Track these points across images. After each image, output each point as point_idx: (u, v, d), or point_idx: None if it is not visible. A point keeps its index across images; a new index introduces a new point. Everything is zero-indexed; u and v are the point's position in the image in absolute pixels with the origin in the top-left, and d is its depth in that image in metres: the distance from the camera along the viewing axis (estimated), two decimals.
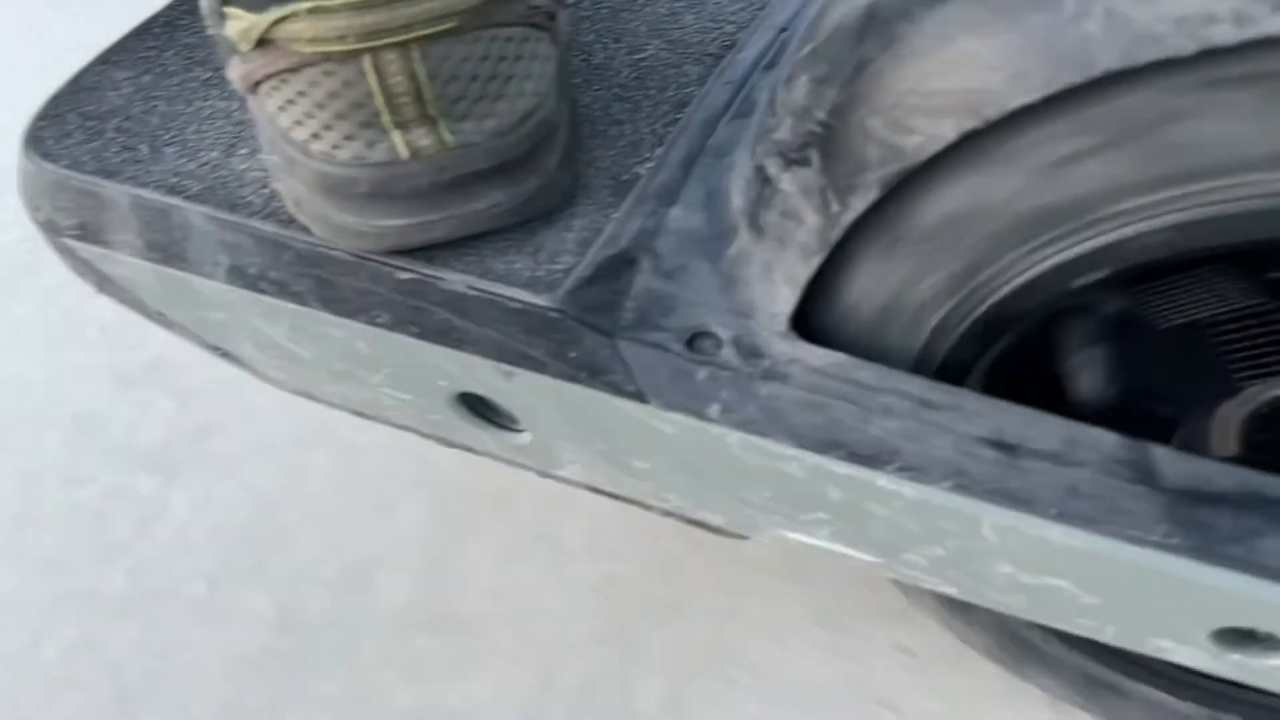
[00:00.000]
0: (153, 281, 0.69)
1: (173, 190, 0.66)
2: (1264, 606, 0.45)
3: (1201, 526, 0.45)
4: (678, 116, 0.70)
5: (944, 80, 0.44)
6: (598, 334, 0.56)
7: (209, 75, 0.75)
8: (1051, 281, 0.49)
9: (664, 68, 0.74)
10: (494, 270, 0.59)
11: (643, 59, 0.75)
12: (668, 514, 0.67)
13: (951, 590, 0.57)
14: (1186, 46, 0.38)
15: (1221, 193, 0.43)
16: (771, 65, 0.71)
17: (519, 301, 0.57)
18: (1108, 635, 0.53)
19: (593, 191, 0.65)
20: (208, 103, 0.73)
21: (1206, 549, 0.45)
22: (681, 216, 0.61)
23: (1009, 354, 0.56)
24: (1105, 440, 0.48)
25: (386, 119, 0.54)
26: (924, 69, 0.45)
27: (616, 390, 0.56)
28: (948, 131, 0.45)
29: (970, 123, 0.44)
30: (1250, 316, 0.54)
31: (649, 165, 0.66)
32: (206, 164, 0.68)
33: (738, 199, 0.59)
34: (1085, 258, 0.47)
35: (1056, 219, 0.47)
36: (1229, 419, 0.58)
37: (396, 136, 0.55)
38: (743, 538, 0.65)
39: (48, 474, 1.15)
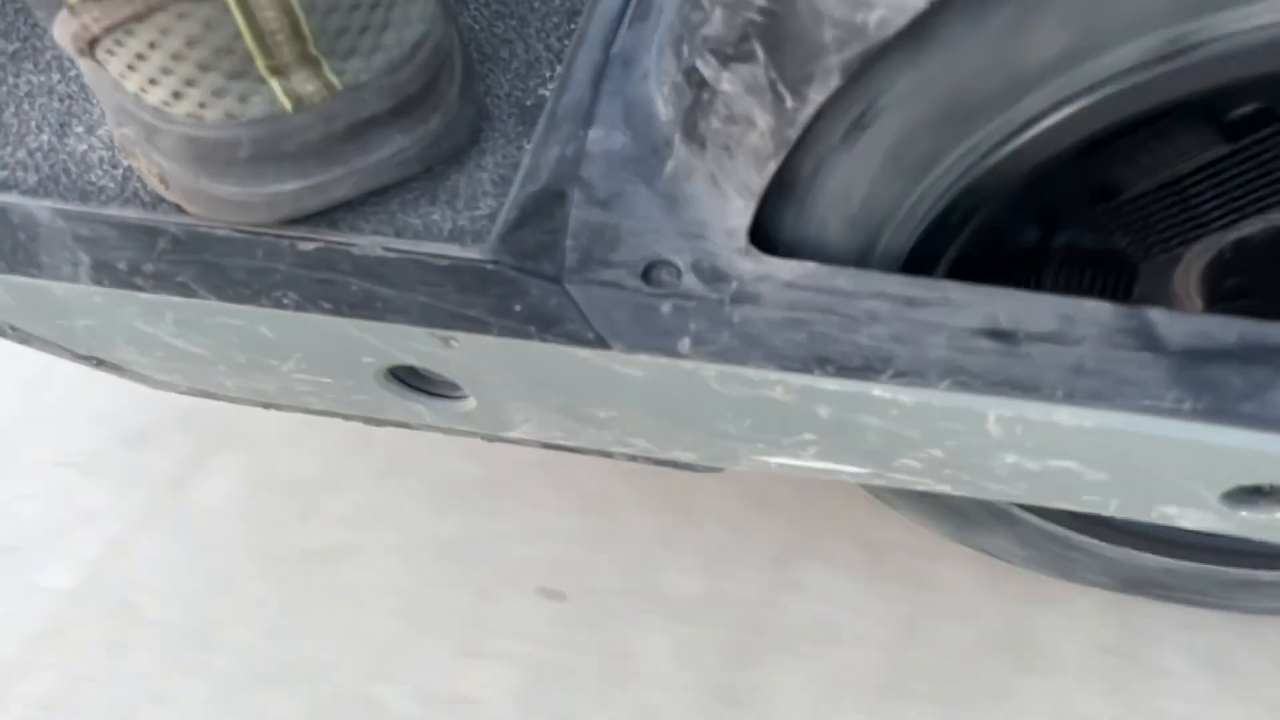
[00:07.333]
0: (1, 295, 0.59)
1: (5, 186, 0.56)
2: None
3: (1212, 387, 0.44)
4: (571, 28, 0.63)
5: None
6: (543, 281, 0.50)
7: (16, 47, 0.64)
8: (1028, 153, 0.46)
9: None
10: (410, 226, 0.52)
11: None
12: (632, 459, 0.63)
13: (945, 488, 0.55)
14: None
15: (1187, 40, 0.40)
16: None
17: (446, 258, 0.51)
18: (1112, 509, 0.52)
19: (497, 122, 0.58)
20: (21, 79, 0.62)
21: (1220, 410, 0.44)
22: (603, 137, 0.55)
23: (974, 237, 0.53)
24: (1102, 311, 0.46)
25: (261, 64, 0.46)
26: None
27: (573, 340, 0.50)
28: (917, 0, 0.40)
29: None
30: (1214, 164, 0.52)
31: (552, 86, 0.59)
32: (38, 149, 0.58)
33: (665, 109, 0.53)
34: (1059, 126, 0.44)
35: (1027, 86, 0.43)
36: (1191, 267, 0.57)
37: (275, 85, 0.47)
38: (717, 470, 0.62)
39: None
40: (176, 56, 0.45)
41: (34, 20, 0.66)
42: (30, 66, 0.63)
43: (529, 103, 0.58)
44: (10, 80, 0.62)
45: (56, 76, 0.62)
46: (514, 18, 0.64)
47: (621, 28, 0.61)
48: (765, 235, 0.53)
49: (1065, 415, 0.46)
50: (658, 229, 0.51)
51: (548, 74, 0.60)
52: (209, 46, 0.45)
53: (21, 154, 0.58)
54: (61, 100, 0.61)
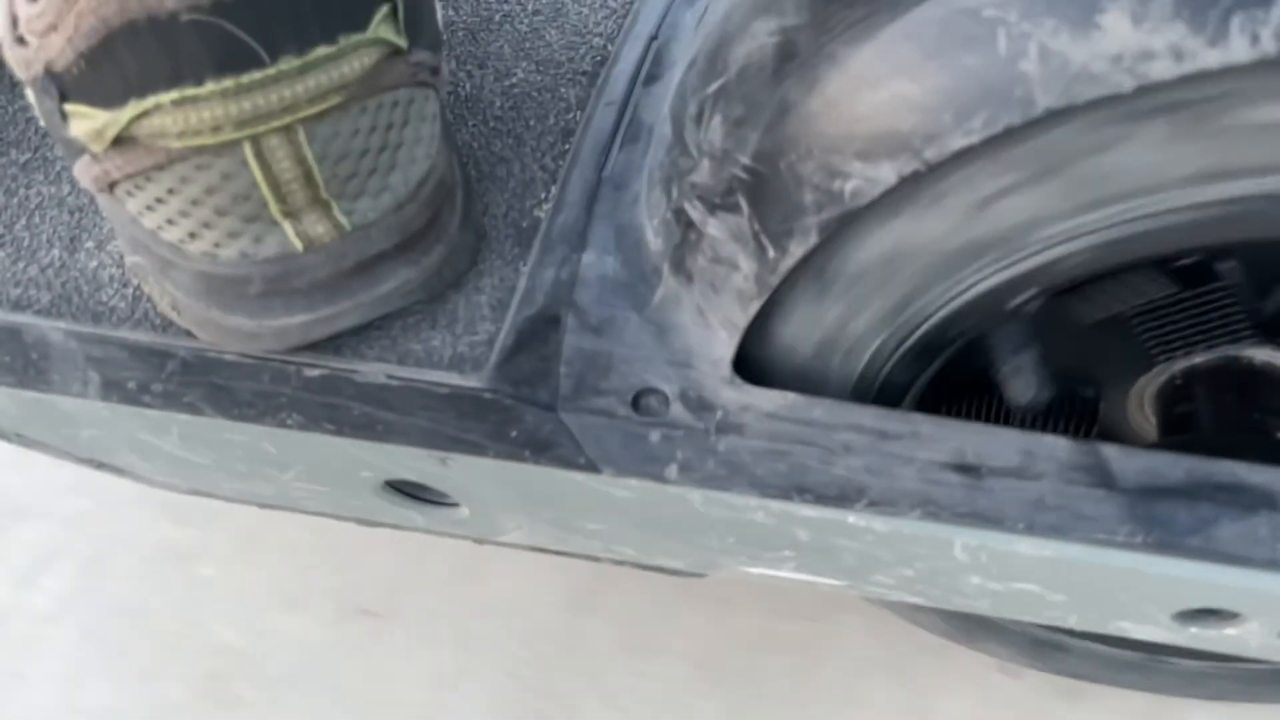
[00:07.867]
0: (7, 405, 0.61)
1: (19, 306, 0.58)
2: (1225, 589, 0.48)
3: (1161, 522, 0.47)
4: (565, 147, 0.66)
5: (879, 123, 0.43)
6: (538, 409, 0.53)
7: (27, 158, 0.66)
8: (983, 304, 0.49)
9: (539, 93, 0.70)
10: (412, 353, 0.55)
11: (513, 85, 0.71)
12: (620, 564, 0.65)
13: (918, 600, 0.58)
14: (1125, 84, 0.38)
15: (1136, 211, 0.44)
16: (651, 80, 0.69)
17: (447, 386, 0.54)
18: (1071, 622, 0.56)
19: (494, 243, 0.61)
20: (32, 190, 0.65)
21: (1168, 543, 0.47)
22: (595, 262, 0.58)
23: (945, 368, 0.57)
24: (1059, 448, 0.49)
25: (274, 209, 0.49)
26: (856, 112, 0.44)
27: (566, 464, 0.53)
28: (887, 175, 0.44)
29: (912, 166, 0.43)
30: (1164, 305, 0.56)
31: (547, 206, 0.62)
32: (50, 266, 0.60)
33: (655, 241, 0.57)
34: (1015, 281, 0.48)
35: (985, 250, 0.47)
36: (1143, 394, 0.61)
37: (287, 227, 0.50)
38: (700, 575, 0.64)
39: None
40: (195, 202, 0.48)
41: (45, 130, 0.68)
42: (41, 178, 0.65)
43: (524, 224, 0.61)
44: (22, 191, 0.65)
45: (67, 188, 0.65)
46: (510, 135, 0.67)
47: (613, 149, 0.64)
48: (747, 358, 0.56)
49: (1026, 546, 0.49)
50: (647, 357, 0.55)
51: (543, 195, 0.63)
52: (226, 194, 0.48)
53: (34, 270, 0.60)
54: (72, 213, 0.63)
